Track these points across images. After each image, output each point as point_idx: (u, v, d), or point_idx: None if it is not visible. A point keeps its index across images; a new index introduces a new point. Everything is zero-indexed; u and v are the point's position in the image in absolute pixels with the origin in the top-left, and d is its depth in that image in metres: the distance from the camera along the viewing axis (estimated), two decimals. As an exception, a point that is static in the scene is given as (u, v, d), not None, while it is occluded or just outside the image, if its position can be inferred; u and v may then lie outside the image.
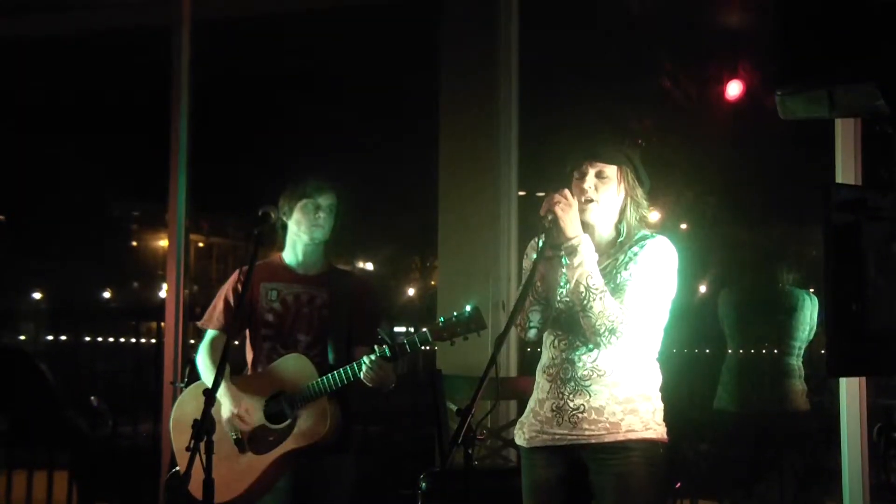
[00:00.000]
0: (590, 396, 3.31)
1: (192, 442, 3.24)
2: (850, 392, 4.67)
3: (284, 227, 4.22)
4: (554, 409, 3.36)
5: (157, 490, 5.83)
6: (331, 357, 4.08)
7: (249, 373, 4.20)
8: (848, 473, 4.67)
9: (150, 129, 6.68)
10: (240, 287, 4.13)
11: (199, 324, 4.31)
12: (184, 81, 6.12)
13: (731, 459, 6.07)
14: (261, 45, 7.55)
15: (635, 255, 3.33)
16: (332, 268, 4.29)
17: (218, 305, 4.24)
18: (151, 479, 5.89)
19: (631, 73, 7.45)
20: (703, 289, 7.86)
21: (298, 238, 4.18)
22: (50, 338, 9.10)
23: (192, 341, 5.87)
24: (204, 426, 3.27)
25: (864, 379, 4.63)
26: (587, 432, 3.31)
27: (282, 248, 4.26)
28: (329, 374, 3.93)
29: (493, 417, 4.86)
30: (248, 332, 4.23)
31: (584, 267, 3.27)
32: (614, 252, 3.39)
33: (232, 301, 4.19)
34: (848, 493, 4.67)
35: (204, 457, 3.27)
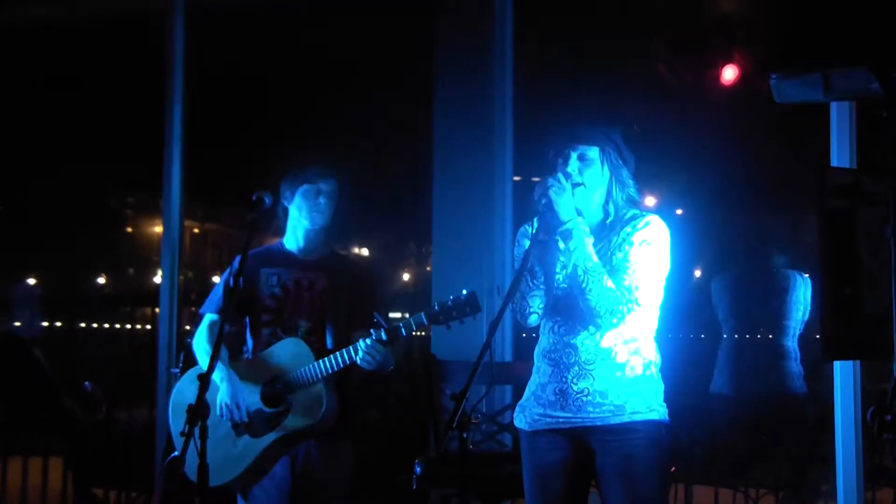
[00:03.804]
0: (593, 380, 3.32)
1: (187, 426, 3.26)
2: (845, 376, 4.69)
3: (286, 213, 4.24)
4: (557, 392, 3.37)
5: (153, 475, 5.84)
6: (330, 342, 4.10)
7: (250, 357, 4.22)
8: (842, 457, 4.68)
9: (146, 116, 6.67)
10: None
11: (200, 310, 4.32)
12: (178, 68, 6.12)
13: (727, 444, 6.09)
14: (256, 31, 7.54)
15: (628, 234, 3.33)
16: (333, 253, 4.31)
17: (218, 291, 4.25)
18: (147, 464, 5.91)
19: (626, 58, 7.44)
20: (697, 274, 7.88)
21: (300, 223, 4.20)
22: (45, 324, 9.10)
23: (188, 327, 5.88)
24: (199, 411, 3.27)
25: (858, 363, 4.64)
26: (592, 415, 3.32)
27: (283, 233, 4.28)
28: (325, 359, 3.95)
29: (487, 402, 4.87)
30: (249, 317, 4.25)
31: (579, 250, 3.28)
32: (606, 233, 3.39)
33: (232, 285, 4.19)
34: (842, 477, 4.68)
35: (198, 441, 3.28)
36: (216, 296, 4.25)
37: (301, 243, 4.22)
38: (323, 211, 4.17)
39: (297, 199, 4.18)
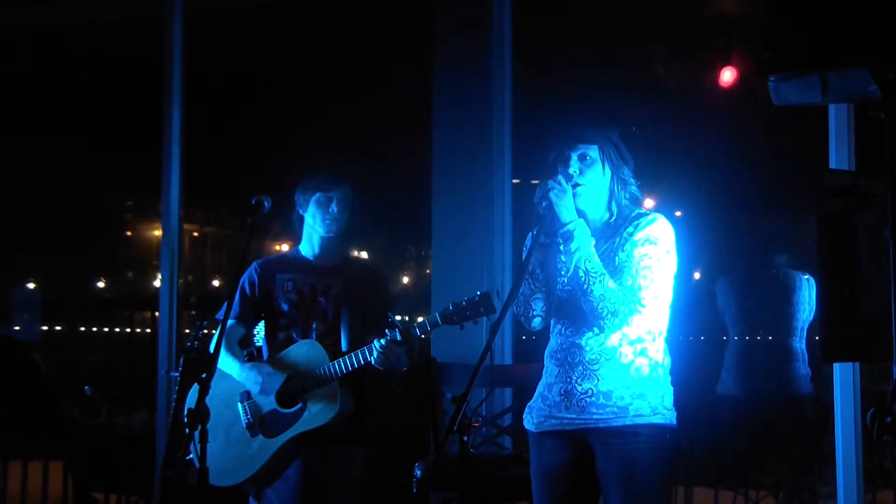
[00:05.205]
0: (598, 380, 3.32)
1: (188, 431, 3.28)
2: (844, 378, 4.69)
3: (301, 221, 4.30)
4: (562, 393, 3.37)
5: (153, 479, 5.83)
6: (345, 344, 4.15)
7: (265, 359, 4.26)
8: (842, 459, 4.68)
9: (144, 120, 6.67)
10: (256, 278, 4.27)
11: (216, 315, 4.34)
12: (177, 71, 6.12)
13: (730, 445, 6.09)
14: (254, 34, 7.54)
15: (631, 234, 3.33)
16: (347, 258, 4.38)
17: (234, 296, 4.27)
18: (147, 468, 5.90)
19: (625, 61, 7.44)
20: (697, 276, 7.87)
21: (315, 231, 4.26)
22: (45, 328, 9.10)
23: (187, 331, 5.88)
24: (198, 415, 3.29)
25: (857, 364, 4.64)
26: (595, 416, 3.31)
27: (299, 240, 4.34)
28: (340, 359, 4.00)
29: (487, 405, 4.87)
30: (264, 321, 4.31)
31: (581, 251, 3.29)
32: (610, 234, 3.39)
33: (248, 291, 4.26)
34: (842, 478, 4.68)
35: (198, 446, 3.29)
36: (232, 301, 4.28)
37: (316, 250, 4.29)
38: (336, 219, 4.22)
39: (311, 207, 4.24)
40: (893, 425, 2.46)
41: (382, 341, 3.90)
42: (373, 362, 3.94)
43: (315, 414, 4.03)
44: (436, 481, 4.53)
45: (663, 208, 3.60)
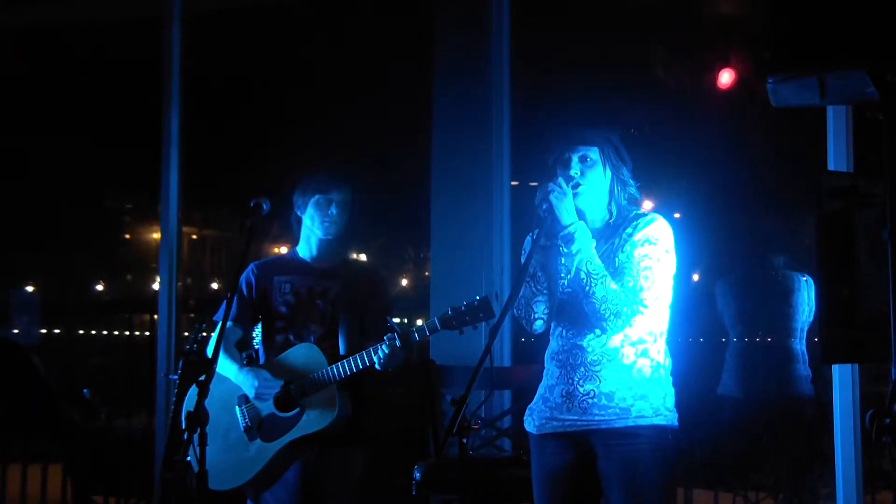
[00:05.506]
0: (600, 382, 3.32)
1: (187, 434, 3.27)
2: (843, 379, 4.69)
3: (299, 222, 4.27)
4: (564, 394, 3.37)
5: (152, 482, 5.83)
6: (343, 348, 4.13)
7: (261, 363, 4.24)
8: (841, 460, 4.68)
9: (143, 122, 6.66)
10: (253, 279, 4.24)
11: (214, 317, 4.33)
12: (176, 73, 6.12)
13: (730, 446, 6.09)
14: (253, 36, 7.54)
15: (630, 235, 3.33)
16: (345, 261, 4.34)
17: (232, 298, 4.26)
18: (146, 471, 5.90)
19: (623, 62, 7.44)
20: (695, 277, 7.87)
21: (313, 233, 4.22)
22: (44, 331, 9.11)
23: (186, 333, 5.88)
24: (198, 418, 3.28)
25: (856, 366, 4.64)
26: (597, 417, 3.31)
27: (297, 242, 4.30)
28: (342, 362, 3.98)
29: (487, 407, 4.87)
30: (262, 324, 4.28)
31: (582, 254, 3.28)
32: (609, 235, 3.39)
33: (246, 293, 4.24)
34: (841, 480, 4.68)
35: (197, 448, 3.28)
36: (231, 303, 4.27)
37: (314, 252, 4.25)
38: (335, 221, 4.19)
39: (310, 209, 4.20)
40: (892, 427, 2.46)
41: (384, 347, 3.87)
42: (377, 365, 3.91)
43: (313, 418, 4.01)
44: (435, 483, 4.53)
45: (662, 209, 3.60)
